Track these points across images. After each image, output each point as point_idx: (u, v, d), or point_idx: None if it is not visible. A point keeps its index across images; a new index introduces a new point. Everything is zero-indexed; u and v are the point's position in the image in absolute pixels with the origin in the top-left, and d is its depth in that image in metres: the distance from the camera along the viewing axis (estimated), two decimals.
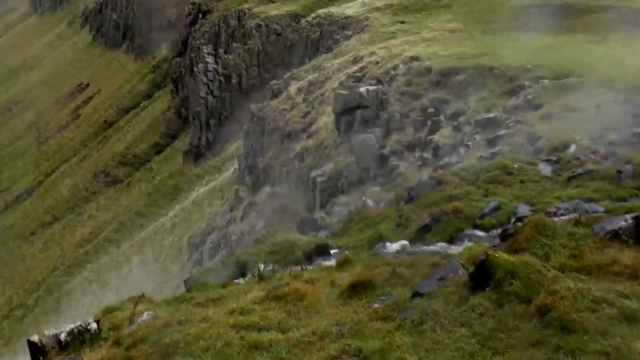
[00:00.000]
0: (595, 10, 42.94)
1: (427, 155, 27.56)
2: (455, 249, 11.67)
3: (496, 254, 7.14)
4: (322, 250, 13.95)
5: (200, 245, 45.94)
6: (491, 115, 26.41)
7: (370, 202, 21.88)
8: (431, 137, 28.78)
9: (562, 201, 13.11)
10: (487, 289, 6.89)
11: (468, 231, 13.15)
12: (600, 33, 36.33)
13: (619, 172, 13.96)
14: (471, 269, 7.37)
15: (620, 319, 6.10)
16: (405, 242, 12.94)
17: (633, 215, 9.06)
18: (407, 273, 9.13)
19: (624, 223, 8.77)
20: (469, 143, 25.08)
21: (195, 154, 71.23)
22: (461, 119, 28.20)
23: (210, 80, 71.00)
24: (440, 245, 12.64)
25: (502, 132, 23.70)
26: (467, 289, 7.20)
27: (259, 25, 71.09)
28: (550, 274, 6.89)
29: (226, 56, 72.62)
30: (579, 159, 16.47)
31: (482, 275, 7.04)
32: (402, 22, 49.27)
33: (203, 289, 11.56)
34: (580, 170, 15.06)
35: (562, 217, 11.72)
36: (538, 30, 36.59)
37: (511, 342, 6.23)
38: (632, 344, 5.68)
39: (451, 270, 7.98)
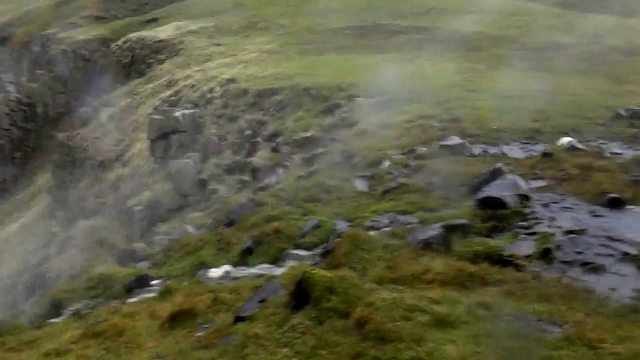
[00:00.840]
0: (406, 30, 45.50)
1: (247, 177, 27.73)
2: (279, 270, 11.77)
3: (313, 272, 7.29)
4: (142, 282, 13.62)
5: (13, 287, 43.07)
6: (308, 134, 27.00)
7: (191, 228, 21.65)
8: (250, 159, 28.99)
9: (378, 215, 13.65)
10: (307, 306, 7.01)
11: (290, 251, 13.31)
12: (412, 52, 38.50)
13: (428, 184, 14.81)
14: (290, 288, 7.48)
15: (432, 324, 6.43)
16: (229, 267, 12.91)
17: (442, 224, 9.65)
18: (229, 298, 9.12)
19: (434, 232, 9.31)
20: (287, 163, 25.49)
21: (1, 190, 66.93)
22: (279, 139, 28.61)
23: (13, 111, 67.09)
24: (264, 267, 12.73)
25: (319, 150, 24.29)
26: (287, 309, 7.29)
27: (65, 51, 68.26)
28: (367, 287, 7.14)
29: (30, 84, 69.05)
30: (391, 173, 17.25)
31: (301, 293, 7.16)
32: (218, 45, 49.33)
33: (16, 332, 10.88)
34: (393, 185, 15.75)
35: (379, 231, 12.24)
36: (352, 50, 38.13)
37: (332, 357, 6.35)
38: (443, 348, 6.01)
39: (272, 291, 8.06)
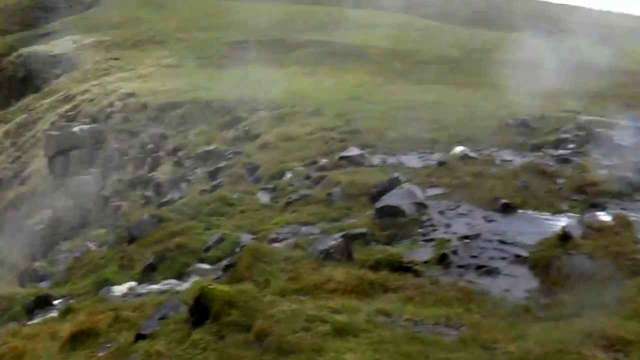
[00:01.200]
0: (305, 44, 45.86)
1: (150, 193, 27.20)
2: (183, 285, 11.59)
3: (212, 287, 7.20)
4: (43, 302, 13.08)
5: None
6: (211, 147, 26.78)
7: (93, 245, 21.02)
8: (152, 174, 28.47)
9: (281, 227, 13.66)
10: (207, 322, 6.90)
11: (195, 266, 13.12)
12: (312, 66, 38.83)
13: (329, 194, 14.92)
14: (190, 304, 7.36)
15: (332, 334, 6.45)
16: (133, 284, 12.61)
17: (341, 234, 9.74)
18: (132, 316, 8.88)
19: (334, 242, 9.38)
20: (191, 177, 25.21)
21: None
22: (181, 153, 28.26)
23: None
24: (168, 283, 12.48)
25: (223, 164, 24.10)
26: (188, 325, 7.16)
27: None
28: (267, 299, 7.11)
29: None
30: (294, 185, 17.30)
31: (201, 309, 7.05)
32: (115, 59, 48.33)
33: None
34: (295, 196, 15.80)
35: (282, 242, 12.24)
36: (252, 64, 38.11)
37: None
38: (343, 357, 6.03)
39: (172, 307, 7.90)
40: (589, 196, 14.28)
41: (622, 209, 12.96)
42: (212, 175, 23.56)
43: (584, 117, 24.98)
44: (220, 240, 13.75)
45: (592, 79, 30.05)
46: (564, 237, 10.01)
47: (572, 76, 29.20)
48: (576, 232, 10.09)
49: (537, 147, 20.50)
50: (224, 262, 12.41)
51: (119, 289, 12.29)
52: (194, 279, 11.97)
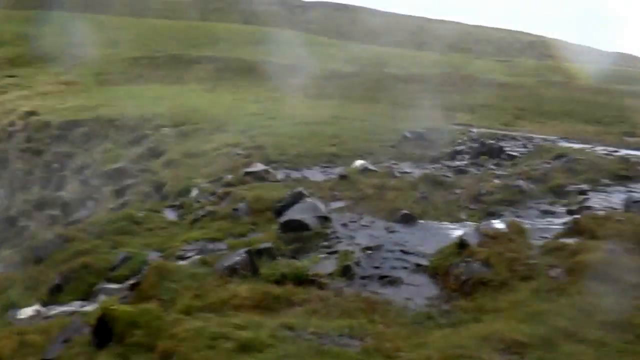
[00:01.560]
0: (202, 60, 45.49)
1: (57, 212, 26.29)
2: (90, 306, 11.17)
3: (114, 307, 6.95)
4: None
5: None
6: (117, 165, 26.18)
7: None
8: (59, 193, 27.55)
9: (188, 244, 13.39)
10: (111, 343, 6.65)
11: (102, 285, 12.69)
12: (211, 82, 38.52)
13: (235, 210, 14.76)
14: (93, 325, 7.07)
15: (237, 350, 6.31)
16: (39, 306, 12.04)
17: (246, 249, 9.61)
18: (38, 340, 8.50)
19: (239, 258, 9.24)
20: (97, 196, 24.56)
21: None
22: (87, 172, 27.49)
23: None
24: (76, 304, 12.00)
25: (129, 181, 23.62)
26: (92, 347, 6.88)
27: None
28: (171, 318, 6.91)
29: None
30: (200, 201, 17.05)
31: (104, 330, 6.79)
32: (11, 77, 46.54)
33: None
34: (202, 213, 15.57)
35: (189, 259, 11.98)
36: (152, 81, 37.50)
37: None
38: None
39: (75, 330, 7.58)
40: (485, 205, 14.71)
41: (516, 216, 13.41)
42: (119, 193, 23.05)
43: (476, 130, 25.81)
44: (127, 259, 13.36)
45: (482, 92, 31.09)
46: (462, 245, 10.18)
47: (463, 89, 30.15)
48: (473, 240, 10.26)
49: (434, 159, 21.00)
50: (131, 281, 12.07)
51: (25, 312, 11.72)
52: (102, 299, 11.59)
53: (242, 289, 8.36)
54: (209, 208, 15.85)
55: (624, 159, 19.26)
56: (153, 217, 16.86)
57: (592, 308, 7.09)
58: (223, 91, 35.84)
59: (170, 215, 17.07)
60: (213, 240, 13.40)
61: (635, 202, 12.99)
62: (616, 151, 22.68)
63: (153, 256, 13.19)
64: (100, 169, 26.82)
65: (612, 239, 9.75)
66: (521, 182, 16.08)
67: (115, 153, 28.12)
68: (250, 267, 9.37)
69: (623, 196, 14.74)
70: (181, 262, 11.58)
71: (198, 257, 11.99)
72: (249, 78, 38.95)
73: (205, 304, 8.21)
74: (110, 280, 12.91)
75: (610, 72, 57.74)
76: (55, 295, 12.98)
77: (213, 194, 17.49)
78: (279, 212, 13.40)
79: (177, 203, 18.00)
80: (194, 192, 18.46)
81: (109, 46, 50.95)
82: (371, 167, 18.52)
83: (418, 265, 10.37)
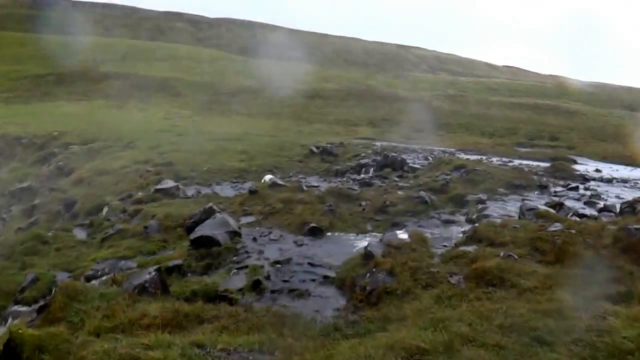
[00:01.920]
0: (109, 77, 44.48)
1: None
2: (0, 330, 10.66)
3: (20, 331, 6.65)
4: None
5: None
6: (25, 184, 25.24)
7: None
8: None
9: (98, 263, 13.01)
10: None
11: (11, 308, 12.17)
12: (119, 99, 37.69)
13: (145, 227, 14.46)
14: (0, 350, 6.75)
15: None
16: None
17: (156, 267, 9.41)
18: None
19: (148, 276, 9.02)
20: (5, 216, 23.55)
21: None
22: None
23: None
24: None
25: (38, 201, 22.79)
26: None
27: None
28: (80, 340, 6.66)
29: None
30: (109, 219, 16.62)
31: (12, 355, 6.48)
32: None
33: None
34: (112, 231, 15.16)
35: (99, 279, 11.63)
36: (59, 98, 36.37)
37: None
38: None
39: None
40: (389, 216, 14.95)
41: (418, 226, 13.68)
42: (28, 212, 22.19)
43: (379, 143, 26.26)
44: (36, 280, 12.85)
45: (382, 106, 31.69)
46: (367, 256, 10.30)
47: (364, 104, 30.64)
48: (377, 251, 10.39)
49: (340, 173, 21.21)
50: (40, 303, 11.61)
51: None
52: (12, 322, 11.10)
53: (152, 307, 8.16)
54: (119, 226, 15.45)
55: (518, 169, 20.04)
56: (62, 236, 16.31)
57: (490, 313, 7.28)
58: (131, 108, 35.15)
59: (80, 234, 16.55)
60: (123, 258, 13.05)
61: (529, 209, 13.48)
62: (510, 161, 23.60)
63: (62, 276, 12.75)
64: (8, 189, 25.75)
65: (508, 246, 10.10)
66: (423, 193, 16.45)
67: (23, 172, 27.13)
68: (160, 285, 9.16)
69: (518, 204, 15.29)
70: (90, 282, 11.23)
71: (107, 276, 11.66)
72: (157, 94, 38.37)
73: (114, 324, 7.97)
74: (19, 302, 12.41)
75: (501, 85, 60.10)
76: None
77: (124, 211, 17.09)
78: (191, 228, 13.20)
79: (87, 222, 17.48)
80: (105, 210, 18.00)
81: (14, 63, 49.06)
82: (280, 181, 18.53)
83: (326, 277, 10.40)
